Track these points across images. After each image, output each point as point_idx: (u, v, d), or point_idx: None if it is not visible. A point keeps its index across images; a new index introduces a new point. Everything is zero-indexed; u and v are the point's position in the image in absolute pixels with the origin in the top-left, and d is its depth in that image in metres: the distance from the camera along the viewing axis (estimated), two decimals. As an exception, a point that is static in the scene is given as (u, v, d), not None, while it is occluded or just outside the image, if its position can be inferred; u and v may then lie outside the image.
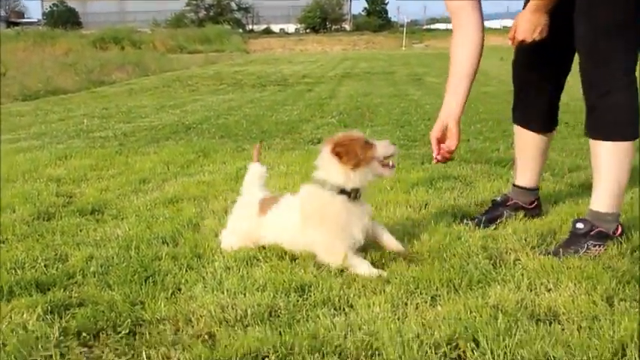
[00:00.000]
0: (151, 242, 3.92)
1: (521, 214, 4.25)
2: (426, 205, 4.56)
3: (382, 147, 3.50)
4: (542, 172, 4.43)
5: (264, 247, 3.67)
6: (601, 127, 3.59)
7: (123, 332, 2.75)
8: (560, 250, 3.57)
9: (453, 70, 3.84)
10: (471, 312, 2.79)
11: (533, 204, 4.30)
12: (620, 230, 3.67)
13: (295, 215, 3.58)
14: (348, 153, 3.41)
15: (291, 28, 78.26)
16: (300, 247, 3.57)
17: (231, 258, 3.55)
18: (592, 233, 3.61)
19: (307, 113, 10.93)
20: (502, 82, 14.81)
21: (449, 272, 3.22)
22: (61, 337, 2.71)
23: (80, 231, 4.26)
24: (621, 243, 3.62)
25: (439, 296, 3.01)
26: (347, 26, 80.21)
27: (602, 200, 3.65)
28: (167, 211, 4.65)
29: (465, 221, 4.13)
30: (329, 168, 3.48)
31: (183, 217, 4.43)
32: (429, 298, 2.99)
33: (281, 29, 76.94)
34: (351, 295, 3.04)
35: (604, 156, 3.59)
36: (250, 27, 77.48)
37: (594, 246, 3.58)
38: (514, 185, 4.33)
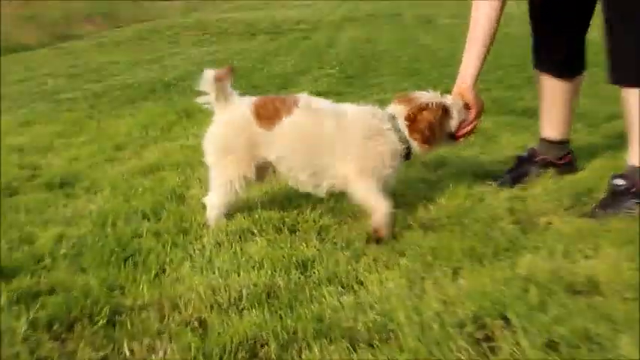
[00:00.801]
0: (129, 217, 3.89)
1: (550, 171, 4.22)
2: (443, 164, 4.53)
3: (458, 112, 3.65)
4: (572, 122, 4.39)
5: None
6: (628, 71, 3.60)
7: (100, 322, 2.72)
8: (598, 210, 3.54)
9: (471, 33, 3.89)
10: (498, 285, 2.77)
11: (564, 159, 4.28)
12: None
13: (352, 128, 3.55)
14: (423, 133, 3.53)
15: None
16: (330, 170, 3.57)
17: (221, 232, 3.53)
18: (633, 190, 3.59)
19: (303, 64, 10.88)
20: (525, 23, 14.71)
21: (471, 240, 3.21)
22: (30, 331, 2.69)
23: (48, 207, 4.23)
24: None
25: (461, 268, 2.99)
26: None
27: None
28: (147, 181, 4.62)
29: (487, 181, 4.10)
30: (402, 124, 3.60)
31: (165, 187, 4.40)
32: (450, 270, 2.97)
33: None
34: (360, 270, 3.03)
35: (637, 103, 3.58)
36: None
37: (637, 204, 3.56)
38: (541, 138, 4.31)
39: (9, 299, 2.93)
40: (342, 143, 3.53)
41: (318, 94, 7.66)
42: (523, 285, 2.75)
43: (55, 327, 2.71)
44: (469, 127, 3.75)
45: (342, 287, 2.89)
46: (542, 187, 3.98)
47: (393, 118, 3.60)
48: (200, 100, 3.77)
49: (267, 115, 3.60)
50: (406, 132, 3.57)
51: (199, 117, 6.71)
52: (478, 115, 3.79)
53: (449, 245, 3.16)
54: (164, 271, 3.17)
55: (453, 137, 3.72)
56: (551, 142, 4.26)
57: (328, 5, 29.17)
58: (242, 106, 3.69)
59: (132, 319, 2.75)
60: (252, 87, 8.80)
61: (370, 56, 11.30)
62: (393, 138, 3.55)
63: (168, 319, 2.73)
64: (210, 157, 3.71)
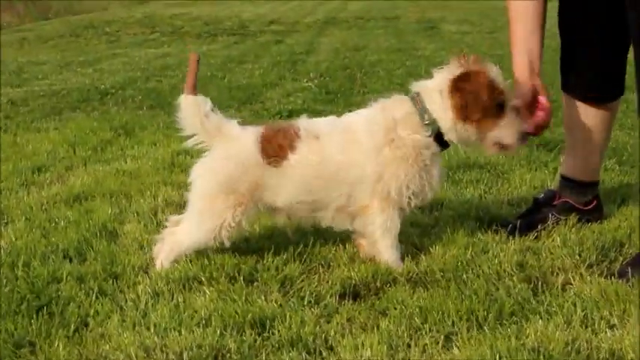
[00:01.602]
0: (46, 257, 3.89)
1: (573, 218, 4.24)
2: (441, 204, 4.56)
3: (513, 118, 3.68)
4: (603, 160, 4.43)
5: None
6: None
7: (3, 387, 2.73)
8: (629, 269, 3.57)
9: (520, 25, 3.99)
10: (500, 357, 2.78)
11: (590, 204, 4.29)
12: None
13: (368, 139, 3.68)
14: (472, 105, 3.59)
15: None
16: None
17: (161, 280, 3.53)
18: None
19: (274, 75, 10.93)
20: (551, 35, 14.87)
21: (470, 301, 3.22)
22: None
23: (-54, 240, 4.22)
24: None
25: (456, 334, 3.00)
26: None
27: None
28: (71, 212, 4.62)
29: (494, 227, 4.13)
30: (436, 102, 3.69)
31: (94, 220, 4.41)
32: (442, 336, 2.97)
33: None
34: (332, 333, 3.03)
35: None
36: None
37: None
38: (562, 177, 4.33)
39: None
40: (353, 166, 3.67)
41: (290, 112, 7.74)
42: (532, 358, 2.77)
43: (-55, 391, 2.71)
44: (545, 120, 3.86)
45: (308, 353, 2.89)
46: (561, 237, 4.00)
47: (417, 95, 3.74)
48: (190, 142, 3.83)
49: (273, 152, 3.68)
50: (438, 108, 3.67)
51: (140, 135, 6.74)
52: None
53: (442, 305, 3.17)
54: (86, 325, 3.16)
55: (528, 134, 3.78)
56: (574, 182, 4.28)
57: (308, 3, 29.33)
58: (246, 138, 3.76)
59: (43, 384, 2.75)
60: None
61: (357, 68, 11.36)
62: (413, 129, 3.67)
63: (89, 386, 2.74)
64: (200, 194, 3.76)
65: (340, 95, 9.05)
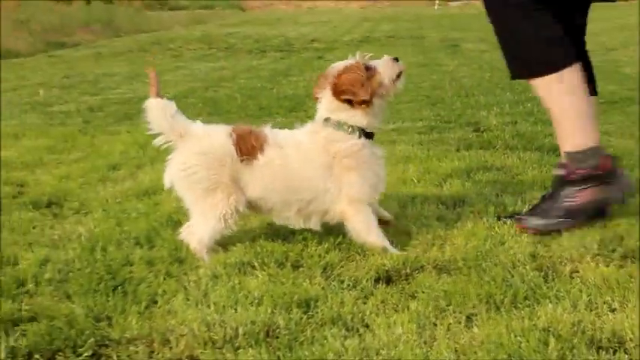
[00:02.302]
0: (121, 243, 3.93)
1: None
2: (462, 201, 4.55)
3: (386, 68, 3.83)
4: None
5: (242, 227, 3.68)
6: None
7: (85, 354, 2.75)
8: (542, 204, 3.83)
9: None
10: (515, 335, 2.78)
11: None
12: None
13: (317, 157, 3.77)
14: (355, 93, 3.74)
15: (297, -20, 78.07)
16: (311, 198, 3.79)
17: (219, 264, 3.56)
18: (569, 178, 3.77)
19: (316, 86, 10.91)
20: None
21: (489, 286, 3.22)
22: (8, 359, 2.72)
23: (34, 228, 4.28)
24: None
25: (476, 315, 3.00)
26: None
27: None
28: (141, 204, 4.67)
29: (502, 219, 4.14)
30: (340, 110, 3.81)
31: (161, 212, 4.45)
32: (464, 317, 2.98)
33: (285, -19, 76.80)
34: (367, 313, 3.04)
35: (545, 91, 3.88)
36: (247, -22, 77.38)
37: (575, 191, 3.78)
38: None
39: (-13, 325, 2.96)
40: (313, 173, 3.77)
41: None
42: (542, 337, 2.75)
43: (35, 357, 2.74)
44: None
45: (347, 330, 2.90)
46: (568, 232, 3.98)
47: (326, 119, 3.83)
48: (158, 140, 3.89)
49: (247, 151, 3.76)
50: (358, 118, 3.79)
51: (201, 138, 6.75)
52: None
53: (464, 290, 3.17)
54: (155, 302, 3.19)
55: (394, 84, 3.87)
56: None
57: (345, 24, 29.32)
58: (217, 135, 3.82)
59: (118, 352, 2.77)
60: (259, 108, 8.87)
61: (388, 81, 11.33)
62: (342, 135, 3.78)
63: (158, 354, 2.76)
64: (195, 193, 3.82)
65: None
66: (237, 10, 42.82)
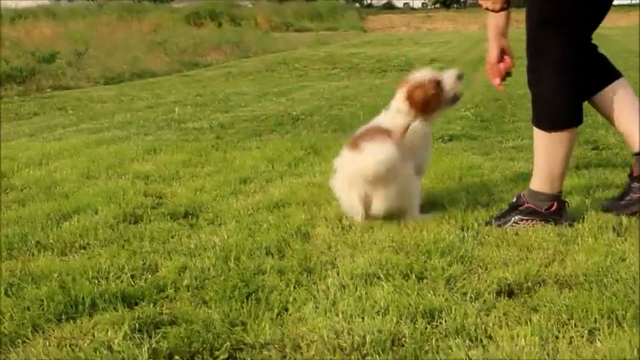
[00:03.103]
0: (253, 253, 4.00)
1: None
2: (583, 217, 4.46)
3: (451, 85, 4.70)
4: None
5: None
6: (534, 113, 4.40)
7: (221, 357, 2.81)
8: (494, 220, 4.42)
9: None
10: (638, 351, 2.72)
11: (550, 208, 4.41)
12: (554, 207, 4.35)
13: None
14: (419, 108, 4.62)
15: (417, 2, 78.08)
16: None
17: (346, 275, 3.58)
18: (520, 207, 4.36)
19: (436, 104, 10.86)
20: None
21: (610, 301, 3.15)
22: (151, 359, 2.80)
23: (172, 237, 4.39)
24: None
25: (598, 330, 2.94)
26: (485, 0, 79.27)
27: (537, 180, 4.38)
28: (272, 216, 4.73)
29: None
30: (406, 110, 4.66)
31: (290, 224, 4.50)
32: (586, 331, 2.93)
33: (405, 4, 77.09)
34: (490, 324, 3.02)
35: (536, 138, 4.36)
36: (369, 1, 77.73)
37: (520, 220, 4.35)
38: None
39: (131, 327, 3.05)
40: None
41: (451, 137, 7.71)
42: (665, 353, 2.70)
43: (175, 358, 2.81)
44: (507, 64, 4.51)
45: (470, 340, 2.89)
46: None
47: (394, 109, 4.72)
48: None
49: None
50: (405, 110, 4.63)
51: (326, 154, 6.81)
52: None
53: (585, 304, 3.12)
54: (287, 310, 3.23)
55: (454, 101, 4.78)
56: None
57: (464, 45, 29.10)
58: None
59: (253, 356, 2.82)
60: (382, 126, 8.86)
61: (507, 99, 11.18)
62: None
63: (290, 359, 2.80)
64: None
65: (493, 123, 8.95)
66: (359, 32, 42.93)
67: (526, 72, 4.40)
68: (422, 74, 4.68)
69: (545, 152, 4.32)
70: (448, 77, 4.66)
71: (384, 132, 4.49)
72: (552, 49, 4.21)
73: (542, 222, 4.33)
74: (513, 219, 4.36)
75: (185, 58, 21.64)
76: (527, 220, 4.35)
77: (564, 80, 4.23)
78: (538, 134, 4.34)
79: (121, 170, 6.36)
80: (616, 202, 4.59)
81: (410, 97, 4.60)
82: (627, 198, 4.52)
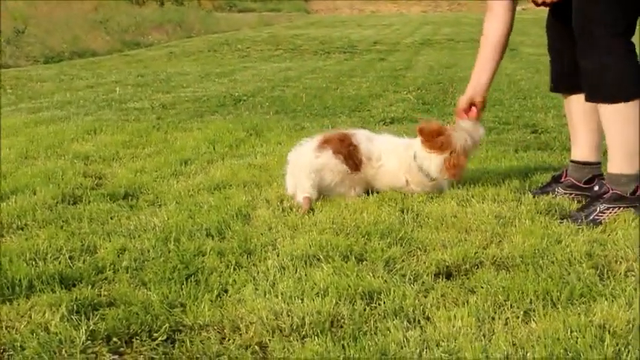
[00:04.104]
0: (193, 234, 3.98)
1: (574, 194, 4.50)
2: (520, 201, 4.52)
3: (474, 136, 4.70)
4: (599, 143, 4.51)
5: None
6: (602, 90, 4.08)
7: (159, 339, 2.80)
8: (574, 213, 4.18)
9: (483, 51, 4.57)
10: (571, 331, 2.76)
11: (589, 183, 4.44)
12: None
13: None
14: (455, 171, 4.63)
15: (360, -16, 77.88)
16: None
17: (286, 256, 3.59)
18: (605, 195, 4.11)
19: (378, 87, 10.94)
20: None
21: (546, 283, 3.20)
22: (89, 342, 2.78)
23: (111, 218, 4.35)
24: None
25: (533, 311, 2.98)
26: (428, -17, 79.63)
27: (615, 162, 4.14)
28: (212, 198, 4.71)
29: (561, 221, 4.16)
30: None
31: (231, 205, 4.48)
32: (522, 312, 2.96)
33: (349, -15, 76.68)
34: (428, 306, 3.04)
35: (607, 117, 4.09)
36: (312, -18, 77.45)
37: (607, 209, 4.09)
38: (570, 160, 4.59)
39: (68, 309, 3.02)
40: None
41: (392, 119, 7.76)
42: (598, 333, 2.74)
43: (113, 340, 2.79)
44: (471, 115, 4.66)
45: (409, 322, 2.91)
46: (623, 232, 3.94)
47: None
48: None
49: None
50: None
51: (268, 135, 6.82)
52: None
53: (522, 286, 3.16)
54: (226, 291, 3.23)
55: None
56: (576, 164, 4.49)
57: (407, 27, 29.22)
58: None
59: (191, 338, 2.81)
60: (324, 108, 8.89)
61: (449, 82, 11.29)
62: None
63: (229, 340, 2.80)
64: None
65: (435, 105, 9.02)
66: (303, 14, 42.90)
67: (580, 50, 4.13)
68: (456, 138, 4.65)
69: (619, 129, 4.09)
70: (472, 132, 4.74)
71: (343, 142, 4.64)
72: (607, 21, 4.02)
73: (631, 208, 4.12)
74: (599, 209, 4.11)
75: (127, 37, 21.47)
76: (613, 208, 4.10)
77: (622, 50, 4.06)
78: (608, 111, 4.08)
79: (60, 150, 6.29)
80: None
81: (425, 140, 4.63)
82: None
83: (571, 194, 4.52)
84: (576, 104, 4.40)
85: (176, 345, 2.77)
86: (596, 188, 4.22)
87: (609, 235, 3.91)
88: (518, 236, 3.84)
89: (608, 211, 4.07)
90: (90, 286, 3.28)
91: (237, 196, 4.70)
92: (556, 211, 4.29)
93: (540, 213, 4.25)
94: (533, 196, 4.50)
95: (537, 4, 4.31)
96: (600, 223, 4.02)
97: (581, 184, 4.48)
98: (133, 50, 19.70)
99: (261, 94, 10.27)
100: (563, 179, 4.56)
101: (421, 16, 41.98)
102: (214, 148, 6.33)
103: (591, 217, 4.06)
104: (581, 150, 4.51)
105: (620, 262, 3.51)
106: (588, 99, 4.17)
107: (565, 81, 4.48)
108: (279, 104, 9.18)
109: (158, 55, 17.74)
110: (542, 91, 9.79)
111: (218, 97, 9.91)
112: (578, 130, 4.50)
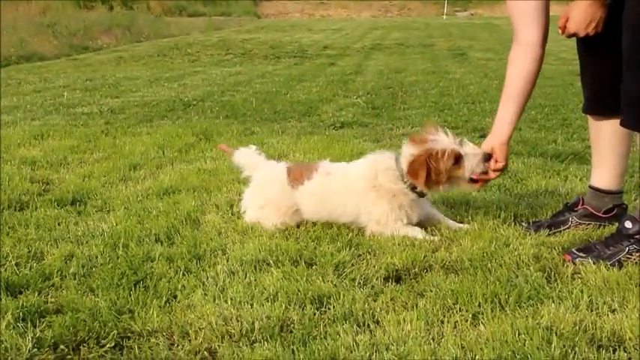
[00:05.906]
0: (142, 240, 3.96)
1: (591, 224, 4.12)
2: (468, 204, 4.56)
3: (473, 166, 3.91)
4: (624, 170, 4.15)
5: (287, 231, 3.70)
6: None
7: (107, 345, 2.78)
8: (596, 247, 3.63)
9: (505, 88, 3.93)
10: (519, 334, 2.80)
11: (609, 212, 4.08)
12: None
13: (359, 184, 4.11)
14: (428, 176, 3.90)
15: (311, -11, 77.98)
16: (349, 217, 4.12)
17: (236, 261, 3.58)
18: (638, 236, 3.58)
19: (328, 91, 10.94)
20: (562, 61, 14.76)
21: (494, 286, 3.23)
22: (35, 350, 2.75)
23: (58, 224, 4.30)
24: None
25: (482, 314, 3.01)
26: (378, -12, 79.97)
27: None
28: (161, 203, 4.68)
29: (524, 224, 4.14)
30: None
31: (180, 210, 4.46)
32: (470, 315, 2.99)
33: (299, -10, 76.73)
34: (378, 310, 3.06)
35: None
36: (262, -14, 77.39)
37: (636, 251, 3.56)
38: (589, 187, 4.16)
39: (14, 316, 2.99)
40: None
41: (342, 124, 7.77)
42: (545, 335, 2.77)
43: (60, 347, 2.77)
44: (485, 179, 3.99)
45: (358, 326, 2.92)
46: (570, 235, 3.99)
47: (397, 160, 4.09)
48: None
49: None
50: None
51: (217, 140, 6.79)
52: (500, 173, 3.98)
53: (470, 289, 3.18)
54: (175, 297, 3.22)
55: (473, 181, 3.97)
56: (596, 191, 4.10)
57: (357, 32, 29.30)
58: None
59: (140, 344, 2.80)
60: (274, 112, 8.88)
61: (398, 87, 11.34)
62: (391, 180, 4.06)
63: (178, 346, 2.79)
64: None
65: (384, 110, 9.05)
66: (253, 18, 42.85)
67: (627, 77, 3.52)
68: (443, 141, 3.93)
69: None
70: (472, 156, 3.92)
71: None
72: None
73: None
74: (627, 250, 3.58)
75: (75, 41, 21.21)
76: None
77: None
78: None
79: (6, 156, 6.21)
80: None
81: (414, 170, 3.94)
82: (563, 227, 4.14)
83: (587, 224, 4.11)
84: (607, 126, 3.95)
85: (124, 352, 2.75)
86: (628, 225, 3.62)
87: (557, 238, 3.95)
88: (467, 239, 3.87)
89: (638, 254, 3.57)
90: (37, 293, 3.25)
91: (186, 201, 4.68)
92: (505, 214, 4.32)
93: (489, 216, 4.28)
94: (530, 229, 4.08)
95: (565, 33, 3.84)
96: (622, 265, 3.54)
97: (600, 214, 4.08)
98: (82, 54, 19.49)
99: (210, 98, 10.23)
100: (578, 207, 4.15)
101: (371, 20, 42.10)
102: (163, 153, 6.29)
103: (617, 258, 3.56)
104: (604, 176, 4.07)
105: (567, 265, 3.55)
106: (631, 127, 3.64)
107: (599, 104, 3.98)
108: (229, 109, 9.15)
109: (107, 60, 17.58)
110: (490, 95, 9.88)
111: (167, 101, 9.85)
112: (604, 154, 4.05)
